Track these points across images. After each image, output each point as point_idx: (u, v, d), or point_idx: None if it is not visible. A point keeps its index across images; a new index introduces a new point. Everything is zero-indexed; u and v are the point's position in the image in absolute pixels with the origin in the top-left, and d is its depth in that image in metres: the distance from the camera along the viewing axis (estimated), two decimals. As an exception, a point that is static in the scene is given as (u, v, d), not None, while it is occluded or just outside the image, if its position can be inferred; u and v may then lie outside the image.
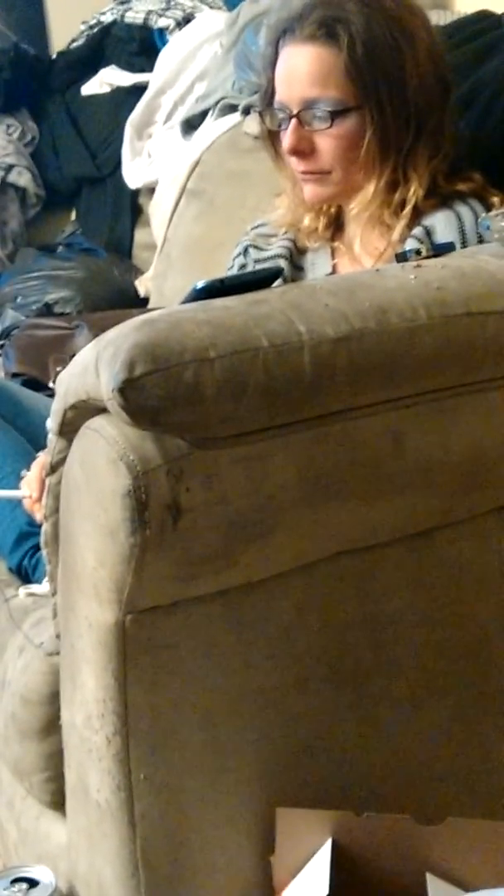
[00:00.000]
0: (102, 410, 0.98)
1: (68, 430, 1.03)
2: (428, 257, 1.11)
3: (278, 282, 1.16)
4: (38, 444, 1.52)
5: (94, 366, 0.96)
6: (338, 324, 0.97)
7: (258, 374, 0.94)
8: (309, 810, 1.07)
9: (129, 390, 0.91)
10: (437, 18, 1.76)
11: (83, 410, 1.01)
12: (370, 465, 1.02)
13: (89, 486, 0.99)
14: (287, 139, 1.41)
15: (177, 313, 0.98)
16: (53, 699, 1.16)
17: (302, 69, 1.39)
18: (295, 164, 1.43)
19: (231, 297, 1.00)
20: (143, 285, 2.39)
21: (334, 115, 1.37)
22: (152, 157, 2.45)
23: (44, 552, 1.13)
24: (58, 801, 1.20)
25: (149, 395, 0.91)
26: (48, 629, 1.20)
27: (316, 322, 0.97)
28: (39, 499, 1.35)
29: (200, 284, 1.03)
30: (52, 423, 1.06)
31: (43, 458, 1.38)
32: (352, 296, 0.99)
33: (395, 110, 1.38)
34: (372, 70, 1.37)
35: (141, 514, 0.94)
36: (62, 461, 1.05)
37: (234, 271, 1.60)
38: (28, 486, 1.39)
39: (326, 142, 1.39)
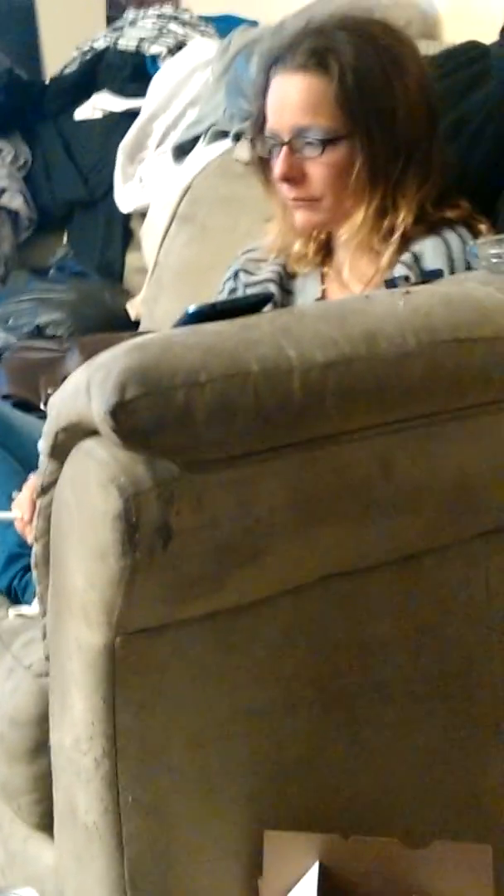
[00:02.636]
0: (94, 433, 0.99)
1: (59, 451, 1.04)
2: (417, 284, 1.13)
3: (268, 307, 1.17)
4: (30, 465, 1.52)
5: (85, 388, 0.96)
6: (327, 349, 0.98)
7: (248, 398, 0.95)
8: (296, 833, 1.07)
9: (120, 413, 0.92)
10: (427, 48, 1.78)
11: (74, 433, 1.01)
12: (359, 489, 1.03)
13: (80, 508, 0.99)
14: (278, 166, 1.42)
15: (168, 337, 0.99)
16: (42, 721, 1.16)
17: (293, 97, 1.41)
18: (286, 190, 1.45)
19: (222, 322, 1.01)
20: (133, 309, 2.40)
21: (325, 143, 1.39)
22: (144, 182, 2.47)
23: (34, 573, 1.14)
24: (46, 824, 1.20)
25: (140, 418, 0.92)
26: (37, 651, 1.20)
27: (306, 347, 0.98)
28: (31, 520, 1.35)
29: (192, 309, 1.04)
30: (43, 445, 1.07)
31: (34, 480, 1.39)
32: (341, 321, 1.01)
33: (385, 138, 1.40)
34: (362, 99, 1.39)
35: (131, 536, 0.95)
36: (53, 483, 1.06)
37: (224, 295, 1.62)
38: (19, 508, 1.40)
39: (317, 169, 1.41)
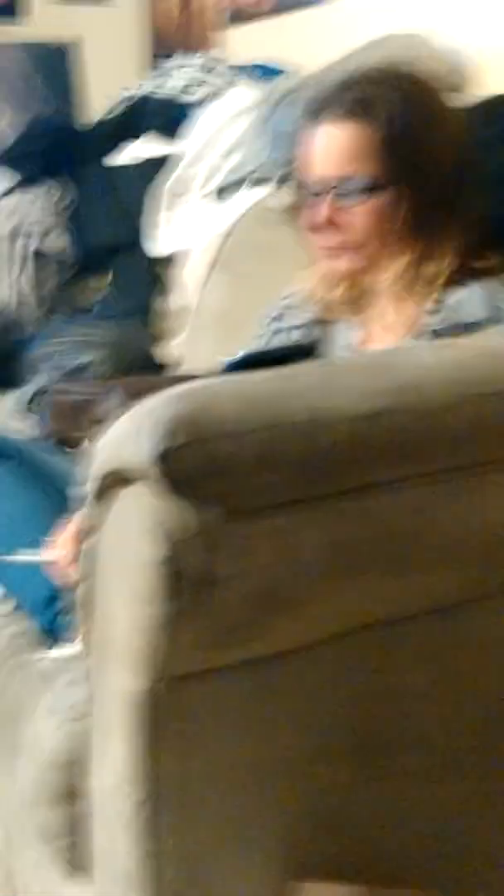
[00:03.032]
0: (139, 478, 1.01)
1: (104, 496, 1.06)
2: (459, 335, 1.14)
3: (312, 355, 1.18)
4: (67, 506, 1.54)
5: (133, 434, 0.98)
6: (371, 400, 0.99)
7: (291, 448, 0.96)
8: (330, 885, 1.07)
9: (168, 460, 0.93)
10: (463, 101, 1.80)
11: (120, 477, 1.03)
12: (399, 540, 1.04)
13: (125, 552, 1.01)
14: (322, 213, 1.44)
15: (215, 386, 1.00)
16: (82, 763, 1.17)
17: (338, 145, 1.43)
18: (326, 238, 1.46)
19: (267, 371, 1.03)
20: (172, 351, 2.42)
21: (369, 191, 1.41)
22: (184, 226, 2.49)
23: (77, 616, 1.15)
24: (84, 866, 1.21)
25: (187, 466, 0.94)
26: (79, 692, 1.21)
27: (349, 398, 0.99)
28: (75, 560, 1.36)
29: (238, 357, 1.06)
30: (88, 488, 1.08)
31: (78, 520, 1.40)
32: (385, 372, 1.02)
33: (430, 187, 1.42)
34: (406, 148, 1.41)
35: (175, 582, 0.96)
36: (97, 526, 1.07)
37: (268, 336, 1.63)
38: (62, 547, 1.41)
39: (360, 217, 1.43)
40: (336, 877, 1.08)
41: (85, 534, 1.09)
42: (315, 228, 1.44)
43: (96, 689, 1.10)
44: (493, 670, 1.17)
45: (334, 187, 1.42)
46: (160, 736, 1.03)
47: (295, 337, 1.57)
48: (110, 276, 2.76)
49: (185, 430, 0.94)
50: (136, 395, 2.00)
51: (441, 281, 1.44)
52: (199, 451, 0.94)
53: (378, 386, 1.00)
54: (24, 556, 1.44)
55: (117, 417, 1.96)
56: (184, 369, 2.30)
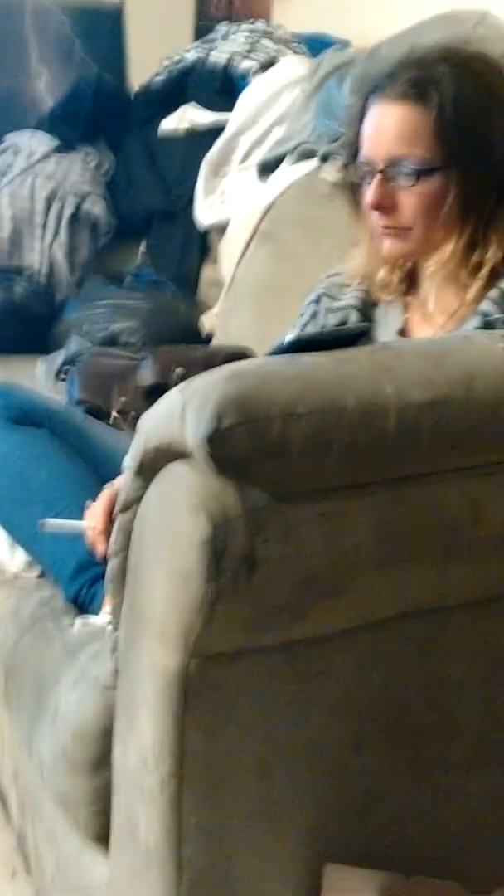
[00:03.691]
0: (184, 455, 1.00)
1: (147, 470, 1.04)
2: (514, 326, 1.12)
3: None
4: (102, 474, 1.53)
5: (180, 412, 0.97)
6: (425, 388, 0.98)
7: (343, 433, 0.95)
8: (358, 869, 1.07)
9: (216, 441, 0.92)
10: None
11: (164, 453, 1.02)
12: (446, 530, 1.03)
13: (166, 529, 1.00)
14: (371, 194, 1.42)
15: (266, 367, 0.99)
16: (106, 734, 1.16)
17: (391, 127, 1.40)
18: (376, 218, 1.44)
19: (319, 354, 1.01)
20: (207, 322, 2.41)
21: (419, 174, 1.38)
22: (226, 197, 2.47)
23: (108, 587, 1.14)
24: (102, 836, 1.20)
25: (235, 447, 0.92)
26: (104, 663, 1.21)
27: (403, 385, 0.98)
28: (105, 531, 1.36)
29: (289, 338, 1.04)
30: (129, 461, 1.07)
31: (109, 491, 1.39)
32: (440, 361, 1.00)
33: (480, 173, 1.39)
34: (460, 132, 1.38)
35: (217, 562, 0.95)
36: (137, 500, 1.06)
37: (306, 318, 1.61)
38: (92, 517, 1.40)
39: (409, 199, 1.41)
40: (363, 862, 1.07)
41: (121, 507, 1.09)
42: (371, 208, 1.42)
43: (125, 662, 1.10)
44: (529, 665, 1.16)
45: (383, 169, 1.40)
46: (189, 713, 1.03)
47: (332, 321, 1.55)
48: (144, 245, 2.75)
49: (234, 410, 0.92)
50: (168, 365, 2.01)
51: (487, 270, 1.41)
52: (247, 432, 0.93)
53: (432, 375, 0.99)
54: (55, 524, 1.43)
55: (149, 387, 1.96)
56: (217, 341, 2.28)
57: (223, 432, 0.92)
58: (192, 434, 0.94)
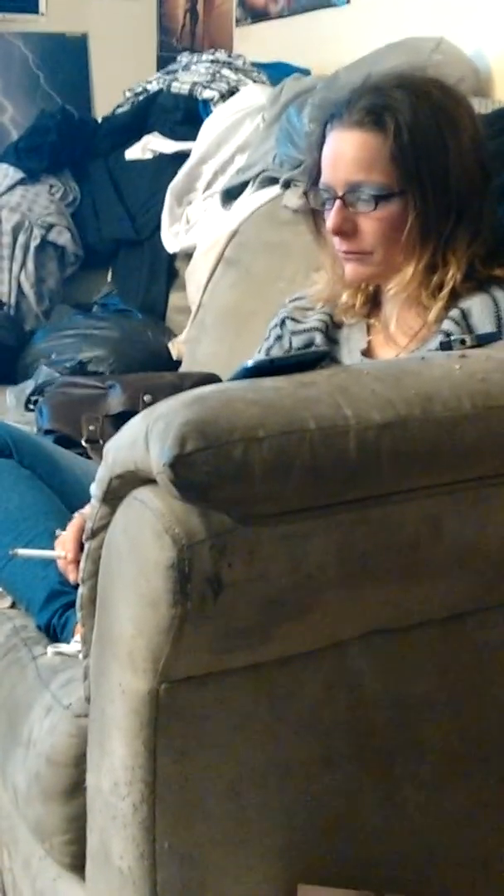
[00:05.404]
0: (149, 481, 1.01)
1: (112, 497, 1.05)
2: (472, 347, 1.14)
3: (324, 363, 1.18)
4: (72, 503, 1.54)
5: (143, 438, 0.98)
6: (384, 410, 0.99)
7: (305, 455, 0.96)
8: (330, 889, 1.07)
9: (179, 465, 0.93)
10: (479, 107, 1.81)
11: (130, 480, 1.03)
12: (408, 549, 1.04)
13: (132, 555, 1.01)
14: (331, 220, 1.44)
15: (227, 391, 1.00)
16: (79, 761, 1.17)
17: (348, 153, 1.43)
18: (337, 243, 1.46)
19: (280, 378, 1.03)
20: (175, 348, 2.43)
21: (378, 199, 1.41)
22: (191, 224, 2.50)
23: (78, 615, 1.14)
24: (77, 864, 1.21)
25: (198, 471, 0.93)
26: (77, 690, 1.21)
27: (362, 407, 0.99)
28: (75, 560, 1.37)
29: (250, 363, 1.05)
30: (95, 490, 1.08)
31: (78, 520, 1.40)
32: (398, 382, 1.02)
33: (438, 196, 1.41)
34: (416, 157, 1.40)
35: (183, 586, 0.96)
36: (104, 527, 1.07)
37: (271, 341, 1.63)
38: (62, 546, 1.41)
39: (369, 224, 1.43)
40: (336, 882, 1.08)
41: (89, 533, 1.09)
42: (332, 234, 1.44)
43: (96, 688, 1.10)
44: (497, 680, 1.17)
45: (343, 195, 1.42)
46: (160, 737, 1.04)
47: (296, 343, 1.57)
48: (111, 273, 2.77)
49: (196, 435, 0.94)
50: (136, 393, 2.02)
51: (447, 291, 1.43)
52: (209, 457, 0.94)
53: (391, 396, 1.00)
54: (25, 552, 1.44)
55: (117, 415, 1.97)
56: (185, 367, 2.30)
57: (186, 457, 0.93)
58: (156, 460, 0.95)
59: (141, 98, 2.81)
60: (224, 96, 2.63)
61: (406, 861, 1.15)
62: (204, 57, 2.83)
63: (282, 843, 1.09)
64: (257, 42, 3.03)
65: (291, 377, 1.03)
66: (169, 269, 2.59)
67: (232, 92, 2.64)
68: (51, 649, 1.39)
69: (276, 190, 2.21)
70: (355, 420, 0.98)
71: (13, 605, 1.54)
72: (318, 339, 1.54)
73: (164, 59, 3.24)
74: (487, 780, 1.19)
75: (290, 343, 1.57)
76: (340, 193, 1.43)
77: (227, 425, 0.95)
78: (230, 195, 2.36)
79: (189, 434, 0.94)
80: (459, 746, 1.16)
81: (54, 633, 1.45)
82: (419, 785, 1.15)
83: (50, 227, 2.72)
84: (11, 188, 2.76)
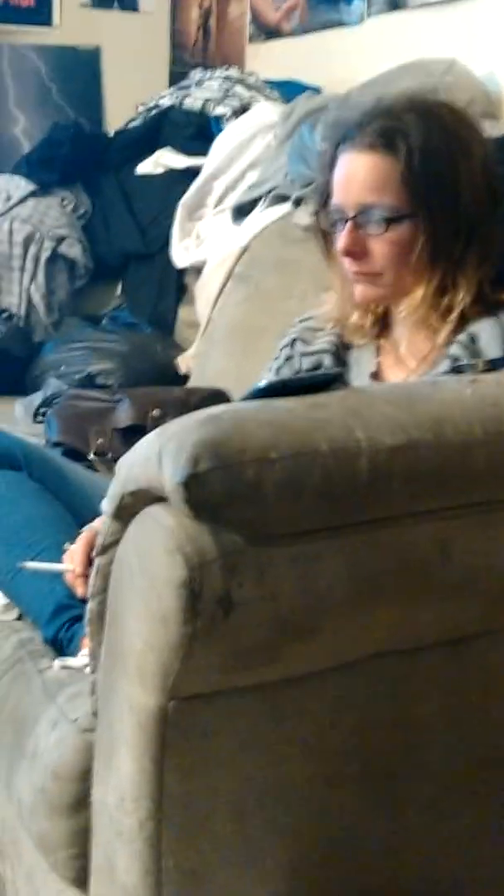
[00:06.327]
0: (161, 499, 1.01)
1: (124, 514, 1.06)
2: (484, 371, 1.15)
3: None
4: (80, 516, 1.54)
5: (157, 457, 0.99)
6: (395, 433, 1.00)
7: (316, 476, 0.97)
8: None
9: (192, 485, 0.94)
10: (489, 129, 1.82)
11: (142, 497, 1.03)
12: (417, 571, 1.05)
13: (143, 572, 1.01)
14: (342, 241, 1.45)
15: (240, 411, 1.01)
16: (85, 776, 1.17)
17: (360, 176, 1.43)
18: (348, 264, 1.47)
19: (292, 399, 1.04)
20: (184, 363, 2.43)
21: (389, 222, 1.42)
22: (201, 239, 2.51)
23: (87, 629, 1.15)
24: (81, 879, 1.21)
25: (211, 491, 0.94)
26: (84, 705, 1.22)
27: (374, 430, 1.00)
28: (83, 574, 1.37)
29: (262, 384, 1.07)
30: (107, 506, 1.09)
31: (88, 534, 1.41)
32: (410, 406, 1.03)
33: (448, 219, 1.42)
34: (427, 180, 1.41)
35: (193, 604, 0.97)
36: (114, 543, 1.08)
37: (281, 362, 1.63)
38: (71, 560, 1.42)
39: (380, 246, 1.44)
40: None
41: (100, 549, 1.10)
42: (342, 255, 1.45)
43: (104, 703, 1.11)
44: (501, 703, 1.18)
45: (354, 217, 1.43)
46: (167, 754, 1.04)
47: (306, 365, 1.58)
48: (121, 287, 2.78)
49: (209, 455, 0.94)
50: (145, 407, 2.03)
51: (457, 314, 1.44)
52: (222, 477, 0.94)
53: (403, 419, 1.01)
54: (33, 566, 1.45)
55: (125, 428, 1.98)
56: (193, 382, 2.30)
57: (199, 476, 0.94)
58: (169, 478, 0.96)
59: (153, 113, 2.83)
60: (236, 113, 2.64)
61: (413, 881, 1.15)
62: (216, 73, 2.85)
63: (286, 863, 1.09)
64: (270, 59, 3.04)
65: (304, 399, 1.04)
66: (178, 284, 2.60)
67: (244, 109, 2.65)
68: (57, 663, 1.39)
69: (287, 207, 2.22)
70: (367, 443, 0.99)
71: (20, 618, 1.54)
72: (328, 360, 1.54)
73: (176, 75, 3.26)
74: (492, 801, 1.20)
75: (301, 364, 1.58)
76: (351, 215, 1.44)
77: (240, 446, 0.96)
78: (241, 211, 2.37)
79: (202, 453, 0.95)
80: (465, 768, 1.17)
81: (61, 646, 1.45)
82: (425, 805, 1.15)
83: (61, 239, 2.73)
84: (23, 200, 2.77)
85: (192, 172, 2.61)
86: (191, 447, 0.95)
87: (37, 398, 2.34)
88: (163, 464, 0.97)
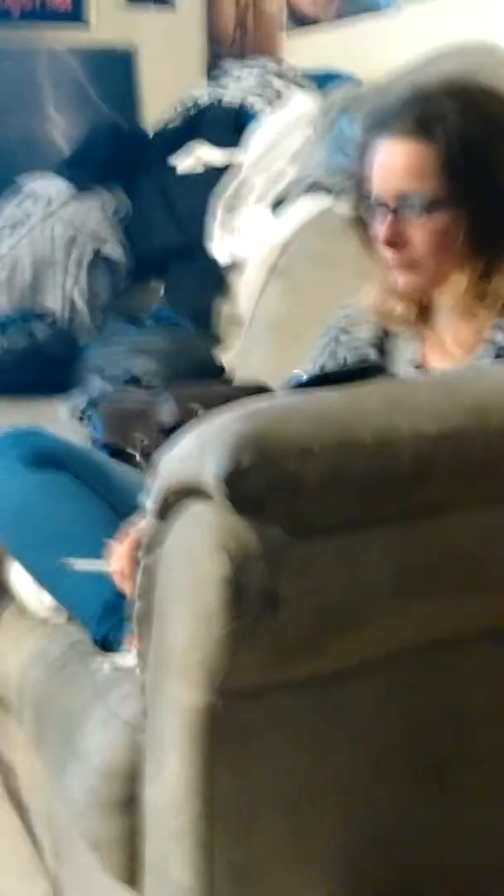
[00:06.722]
0: (203, 495, 1.01)
1: (166, 511, 1.06)
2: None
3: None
4: (125, 515, 1.54)
5: (198, 453, 0.98)
6: (438, 421, 0.99)
7: (359, 468, 0.96)
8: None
9: (234, 480, 0.93)
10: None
11: (182, 493, 1.03)
12: (462, 562, 1.03)
13: (187, 569, 1.01)
14: (382, 231, 1.43)
15: (281, 405, 1.00)
16: (136, 776, 1.17)
17: (398, 163, 1.42)
18: (388, 254, 1.45)
19: (333, 391, 1.02)
20: (226, 359, 2.43)
21: (429, 209, 1.40)
22: (241, 234, 2.50)
23: (135, 630, 1.15)
24: (133, 878, 1.20)
25: (253, 486, 0.94)
26: (133, 705, 1.21)
27: (417, 419, 0.99)
28: (131, 574, 1.37)
29: (304, 377, 1.05)
30: (149, 504, 1.08)
31: (134, 534, 1.40)
32: (452, 394, 1.01)
33: (489, 205, 1.40)
34: (467, 167, 1.39)
35: (238, 600, 0.96)
36: (159, 542, 1.08)
37: (325, 356, 1.62)
38: (118, 561, 1.41)
39: (420, 234, 1.42)
40: (393, 893, 1.07)
41: (145, 549, 1.10)
42: (382, 244, 1.44)
43: (152, 703, 1.11)
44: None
45: (394, 205, 1.42)
46: (216, 752, 1.04)
47: (350, 357, 1.56)
48: (163, 285, 2.78)
49: (251, 450, 0.94)
50: (188, 404, 2.03)
51: (501, 301, 1.42)
52: (265, 471, 0.94)
53: (446, 407, 1.00)
54: (79, 565, 1.44)
55: (169, 427, 1.98)
56: (237, 378, 2.30)
57: (241, 471, 0.93)
58: (211, 474, 0.95)
59: (191, 112, 2.82)
60: (273, 105, 2.62)
61: (465, 875, 1.14)
62: (253, 66, 2.83)
63: (337, 858, 1.08)
64: (306, 50, 3.02)
65: (345, 390, 1.02)
66: (219, 280, 2.60)
67: (281, 101, 2.63)
68: (107, 664, 1.39)
69: (327, 199, 2.21)
70: (410, 432, 0.97)
71: (69, 619, 1.54)
72: (371, 352, 1.53)
73: (213, 71, 3.25)
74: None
75: (344, 355, 1.57)
76: (391, 204, 1.42)
77: (282, 439, 0.95)
78: (281, 205, 2.36)
79: (244, 448, 0.94)
80: (517, 760, 1.15)
81: (111, 646, 1.45)
82: (475, 798, 1.14)
83: (102, 241, 2.73)
84: (64, 203, 2.78)
85: (231, 167, 2.60)
86: (232, 442, 0.95)
87: (81, 399, 2.34)
88: (204, 460, 0.97)
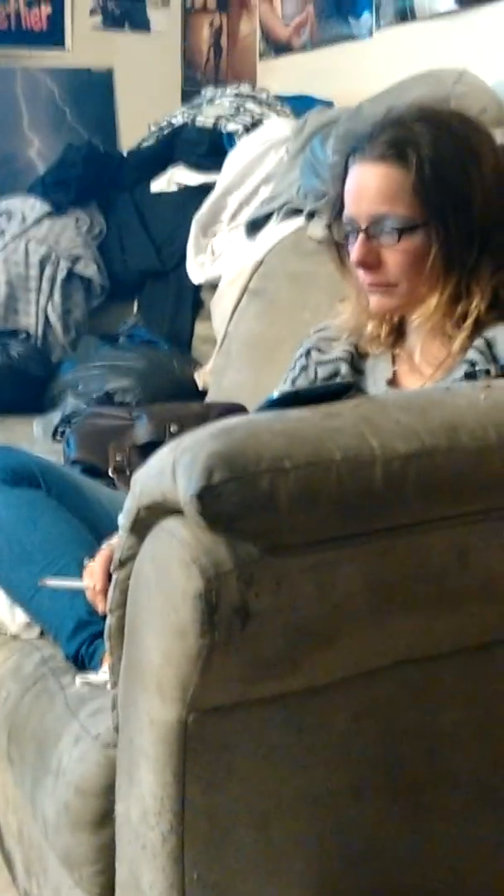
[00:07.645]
0: (176, 512, 1.02)
1: (140, 528, 1.06)
2: (497, 377, 1.15)
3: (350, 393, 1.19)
4: (99, 531, 1.55)
5: (171, 470, 0.99)
6: (409, 440, 1.00)
7: (331, 485, 0.97)
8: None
9: (206, 497, 0.94)
10: (501, 138, 1.82)
11: (157, 511, 1.04)
12: (435, 578, 1.04)
13: (160, 585, 1.02)
14: (355, 252, 1.45)
15: (253, 423, 1.01)
16: (108, 791, 1.17)
17: (371, 187, 1.44)
18: (362, 275, 1.47)
19: (305, 409, 1.04)
20: (201, 378, 2.44)
21: (401, 232, 1.42)
22: (216, 255, 2.52)
23: (106, 645, 1.15)
24: (106, 895, 1.21)
25: (225, 502, 0.94)
26: (105, 720, 1.22)
27: (388, 437, 1.00)
28: (103, 590, 1.37)
29: (276, 395, 1.07)
30: (123, 520, 1.09)
31: (107, 551, 1.41)
32: (423, 413, 1.03)
33: (461, 227, 1.42)
34: (439, 189, 1.42)
35: (211, 616, 0.97)
36: (132, 557, 1.08)
37: (296, 372, 1.64)
38: (91, 577, 1.42)
39: (393, 256, 1.44)
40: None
41: (117, 564, 1.10)
42: (356, 266, 1.46)
43: (124, 718, 1.11)
44: (524, 710, 1.17)
45: (366, 227, 1.44)
46: (189, 767, 1.04)
47: (321, 373, 1.58)
48: (137, 304, 2.79)
49: (223, 467, 0.95)
50: (163, 423, 2.04)
51: (471, 321, 1.44)
52: (236, 488, 0.95)
53: (416, 426, 1.01)
54: (53, 583, 1.45)
55: (143, 445, 1.99)
56: (211, 397, 2.31)
57: (213, 488, 0.94)
58: (183, 491, 0.96)
59: (166, 132, 2.85)
60: (248, 129, 2.65)
61: (436, 891, 1.15)
62: (228, 90, 2.86)
63: (311, 874, 1.09)
64: (281, 75, 3.06)
65: (317, 408, 1.04)
66: (194, 300, 2.61)
67: (256, 125, 2.66)
68: (79, 679, 1.39)
69: (300, 221, 2.23)
70: (381, 451, 0.99)
71: (41, 635, 1.55)
72: (344, 369, 1.54)
73: (189, 94, 3.28)
74: (517, 810, 1.19)
75: (316, 373, 1.58)
76: (364, 226, 1.44)
77: (254, 456, 0.96)
78: (255, 226, 2.38)
79: (216, 465, 0.95)
80: (489, 776, 1.16)
81: (82, 662, 1.45)
82: (450, 815, 1.15)
83: (76, 259, 2.75)
84: (38, 221, 2.79)
85: (206, 189, 2.62)
86: (204, 459, 0.95)
87: (55, 417, 2.35)
88: (177, 476, 0.98)
